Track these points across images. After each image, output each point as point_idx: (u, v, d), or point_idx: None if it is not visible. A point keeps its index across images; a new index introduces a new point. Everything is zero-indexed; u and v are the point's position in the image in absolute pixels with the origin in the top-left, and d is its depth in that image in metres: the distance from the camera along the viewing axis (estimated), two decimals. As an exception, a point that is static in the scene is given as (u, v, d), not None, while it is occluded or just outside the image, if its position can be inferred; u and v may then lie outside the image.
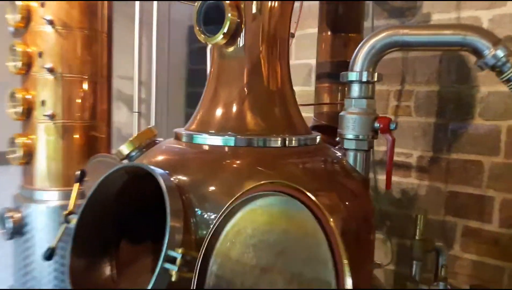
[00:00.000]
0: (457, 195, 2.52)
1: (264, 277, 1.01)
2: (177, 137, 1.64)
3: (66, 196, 2.46)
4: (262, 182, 1.06)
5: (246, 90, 1.56)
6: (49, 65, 2.35)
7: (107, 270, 1.53)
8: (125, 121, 3.52)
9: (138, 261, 1.73)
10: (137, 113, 2.67)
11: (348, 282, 0.81)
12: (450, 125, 2.57)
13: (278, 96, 1.59)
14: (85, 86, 2.46)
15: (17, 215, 2.38)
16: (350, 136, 1.48)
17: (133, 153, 1.65)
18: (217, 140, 1.50)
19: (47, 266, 2.39)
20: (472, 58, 2.50)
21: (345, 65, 2.13)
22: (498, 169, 2.37)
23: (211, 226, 1.14)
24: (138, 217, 1.70)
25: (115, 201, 1.53)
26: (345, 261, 0.81)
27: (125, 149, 1.64)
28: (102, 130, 2.60)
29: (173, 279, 1.13)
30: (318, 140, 1.58)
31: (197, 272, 1.12)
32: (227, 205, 1.12)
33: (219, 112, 1.59)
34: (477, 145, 2.46)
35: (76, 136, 2.48)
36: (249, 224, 1.08)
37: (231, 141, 1.49)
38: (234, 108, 1.56)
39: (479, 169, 2.45)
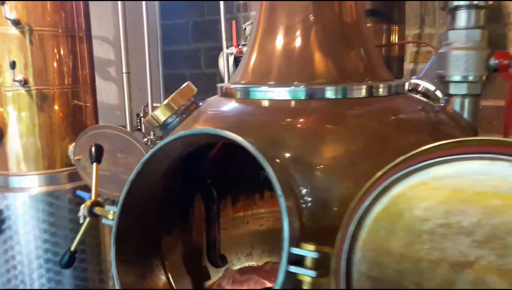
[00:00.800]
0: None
1: (462, 275, 0.70)
2: (227, 94, 1.26)
3: (50, 181, 2.02)
4: (438, 143, 0.74)
5: (312, 24, 1.19)
6: (12, 15, 1.82)
7: (162, 275, 1.16)
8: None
9: (175, 254, 1.37)
10: (126, 75, 2.20)
11: None
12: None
13: (353, 30, 1.23)
14: (61, 43, 1.97)
15: (-6, 209, 1.91)
16: (458, 78, 1.17)
17: (170, 120, 1.24)
18: (282, 93, 1.14)
19: (36, 269, 1.96)
20: (505, -6, 2.29)
21: (390, 3, 1.82)
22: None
23: (350, 209, 0.81)
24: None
25: (161, 184, 1.15)
26: None
27: (160, 114, 1.23)
28: (86, 97, 2.13)
29: (306, 287, 0.80)
30: (407, 86, 1.26)
31: (344, 275, 0.79)
32: (374, 179, 0.79)
33: (277, 56, 1.22)
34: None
35: (56, 106, 2.00)
36: (416, 203, 0.75)
37: (301, 93, 1.13)
38: (298, 50, 1.19)
39: (515, 115, 2.26)
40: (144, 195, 1.10)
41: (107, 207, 1.10)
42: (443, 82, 1.21)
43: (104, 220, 1.10)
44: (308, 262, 0.79)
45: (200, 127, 1.13)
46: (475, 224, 0.70)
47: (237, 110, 1.20)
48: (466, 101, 1.20)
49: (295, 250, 0.80)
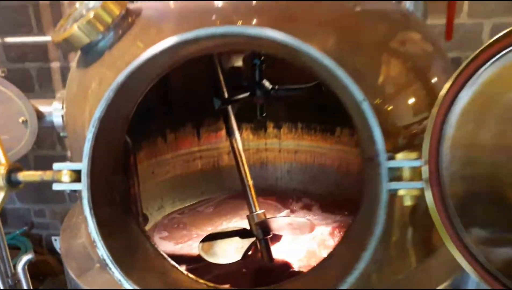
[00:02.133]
0: None
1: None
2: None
3: None
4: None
5: None
6: None
7: (144, 242, 0.85)
8: None
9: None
10: None
11: None
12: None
13: None
14: None
15: None
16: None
17: (100, 37, 0.88)
18: None
19: None
20: None
21: None
22: None
23: (437, 107, 0.69)
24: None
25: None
26: None
27: (91, 29, 0.85)
28: None
29: (409, 202, 0.67)
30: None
31: (440, 181, 0.68)
32: (461, 68, 0.68)
33: None
34: None
35: None
36: (507, 87, 0.68)
37: None
38: None
39: None
40: (111, 141, 0.76)
41: (56, 166, 0.73)
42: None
43: (56, 185, 0.72)
44: (408, 173, 0.66)
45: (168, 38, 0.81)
46: None
47: (194, 11, 0.91)
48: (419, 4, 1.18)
49: (393, 163, 0.65)
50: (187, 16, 0.91)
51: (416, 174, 0.67)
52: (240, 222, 1.48)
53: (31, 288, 1.58)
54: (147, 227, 1.45)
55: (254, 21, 0.90)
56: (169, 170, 1.67)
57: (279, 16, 0.93)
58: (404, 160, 0.65)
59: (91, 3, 0.92)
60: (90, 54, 0.90)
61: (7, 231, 2.71)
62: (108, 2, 0.86)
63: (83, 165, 0.69)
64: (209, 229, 1.45)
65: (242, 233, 1.32)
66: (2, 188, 0.76)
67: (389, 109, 0.84)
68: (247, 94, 1.27)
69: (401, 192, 0.66)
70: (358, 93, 0.65)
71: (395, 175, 0.65)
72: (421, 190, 0.66)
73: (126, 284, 0.67)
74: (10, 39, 2.23)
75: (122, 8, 0.88)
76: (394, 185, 0.65)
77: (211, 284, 0.84)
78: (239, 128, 1.77)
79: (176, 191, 1.68)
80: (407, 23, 1.06)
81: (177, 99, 1.56)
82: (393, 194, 0.65)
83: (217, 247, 1.29)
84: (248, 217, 1.28)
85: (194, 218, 1.56)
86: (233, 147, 1.33)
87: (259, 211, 1.28)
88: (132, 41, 0.86)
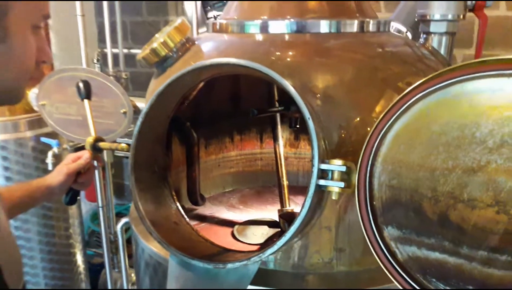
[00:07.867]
0: None
1: (474, 178, 0.82)
2: (221, 29, 1.27)
3: (11, 128, 1.91)
4: (463, 63, 0.83)
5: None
6: None
7: (172, 203, 1.19)
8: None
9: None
10: (81, 18, 2.07)
11: None
12: None
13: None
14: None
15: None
16: (438, 17, 1.29)
17: (167, 56, 1.24)
18: (277, 27, 1.18)
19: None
20: None
21: None
22: None
23: (373, 128, 0.89)
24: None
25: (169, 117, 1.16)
26: None
27: (160, 49, 1.22)
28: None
29: (334, 197, 0.89)
30: (391, 25, 1.36)
31: (366, 186, 0.88)
32: (396, 101, 0.87)
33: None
34: None
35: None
36: (434, 119, 0.85)
37: (295, 26, 1.17)
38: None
39: None
40: (154, 129, 1.11)
41: (118, 140, 1.10)
42: (423, 21, 1.32)
43: (116, 152, 1.10)
44: (336, 175, 0.88)
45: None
46: (488, 133, 0.81)
47: (237, 43, 1.22)
48: (444, 39, 1.32)
49: (324, 166, 0.88)
50: (228, 47, 1.22)
51: (341, 176, 0.88)
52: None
53: (124, 244, 2.04)
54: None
55: (290, 53, 1.17)
56: (233, 166, 1.99)
57: (312, 50, 1.17)
58: (331, 165, 0.87)
59: (165, 31, 1.29)
60: (160, 69, 1.27)
61: (123, 203, 3.33)
62: (172, 31, 1.22)
63: (132, 140, 1.05)
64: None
65: (271, 223, 1.60)
66: (89, 151, 1.17)
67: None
68: (281, 108, 1.53)
69: (329, 189, 0.88)
70: (306, 112, 0.89)
71: (324, 175, 0.88)
72: (343, 189, 0.88)
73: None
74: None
75: (182, 37, 1.24)
76: (321, 182, 0.88)
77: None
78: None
79: (237, 184, 2.00)
80: (419, 65, 1.21)
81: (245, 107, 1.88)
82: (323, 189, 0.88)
83: (249, 230, 1.58)
84: (279, 211, 1.55)
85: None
86: (275, 151, 1.61)
87: (289, 208, 1.54)
88: (186, 62, 1.21)
